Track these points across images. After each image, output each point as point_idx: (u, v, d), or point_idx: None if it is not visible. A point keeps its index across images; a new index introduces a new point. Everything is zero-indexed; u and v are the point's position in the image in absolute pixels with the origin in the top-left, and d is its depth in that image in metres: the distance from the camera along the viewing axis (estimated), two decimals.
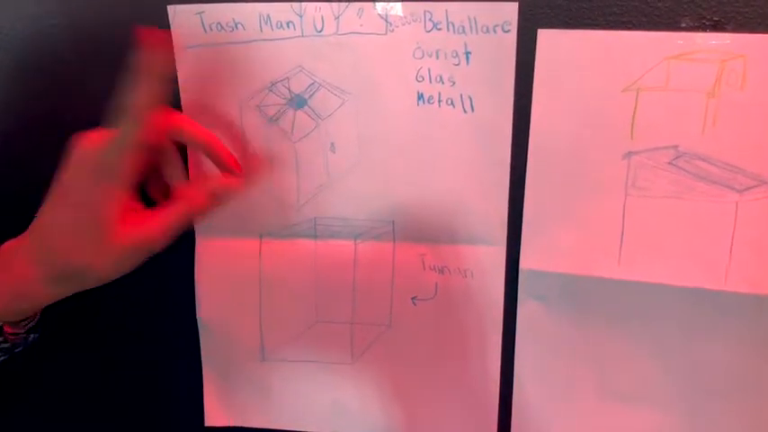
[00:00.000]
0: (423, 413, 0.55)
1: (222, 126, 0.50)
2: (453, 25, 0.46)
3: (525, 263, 0.50)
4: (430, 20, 0.46)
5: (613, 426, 0.52)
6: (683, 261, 0.47)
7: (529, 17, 0.45)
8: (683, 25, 0.44)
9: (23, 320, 0.48)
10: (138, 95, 0.42)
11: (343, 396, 0.56)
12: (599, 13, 0.45)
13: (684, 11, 0.43)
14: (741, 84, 0.44)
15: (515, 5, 0.45)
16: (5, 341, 0.48)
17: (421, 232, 0.51)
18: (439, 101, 0.48)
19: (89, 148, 0.43)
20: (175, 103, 0.51)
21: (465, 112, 0.48)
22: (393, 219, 0.51)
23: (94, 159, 0.42)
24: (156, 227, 0.45)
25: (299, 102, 0.50)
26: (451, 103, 0.48)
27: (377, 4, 0.47)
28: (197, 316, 0.55)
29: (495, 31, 0.46)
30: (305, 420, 0.57)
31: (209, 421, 0.57)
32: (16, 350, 0.50)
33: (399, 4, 0.46)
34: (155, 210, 0.46)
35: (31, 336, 0.50)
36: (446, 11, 0.46)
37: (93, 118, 0.52)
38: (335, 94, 0.49)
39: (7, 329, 0.48)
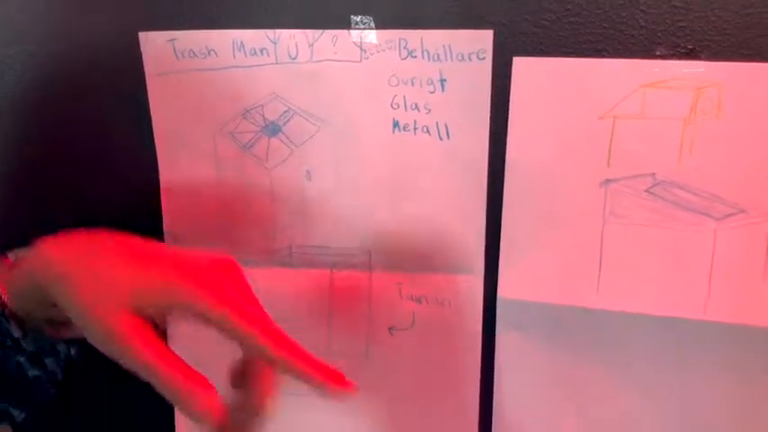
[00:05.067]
0: None
1: (196, 154, 0.50)
2: (428, 53, 0.46)
3: (503, 292, 0.49)
4: (405, 47, 0.46)
5: None
6: (662, 290, 0.47)
7: (504, 45, 0.45)
8: (658, 53, 0.44)
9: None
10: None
11: (318, 428, 0.54)
12: (574, 40, 0.44)
13: (659, 39, 0.43)
14: (717, 111, 0.43)
15: (490, 33, 0.45)
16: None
17: (398, 261, 0.50)
18: (414, 128, 0.48)
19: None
20: (148, 131, 0.50)
21: (441, 139, 0.47)
22: (370, 247, 0.50)
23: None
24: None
25: (273, 129, 0.49)
26: (427, 130, 0.47)
27: (351, 31, 0.46)
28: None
29: (470, 59, 0.46)
30: None
31: None
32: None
33: (374, 31, 0.46)
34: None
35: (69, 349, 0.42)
36: (421, 38, 0.46)
37: (65, 143, 0.52)
38: (310, 122, 0.49)
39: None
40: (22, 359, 0.40)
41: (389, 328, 0.52)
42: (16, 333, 0.40)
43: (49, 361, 0.41)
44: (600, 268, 0.47)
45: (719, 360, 0.47)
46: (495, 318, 0.50)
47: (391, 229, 0.50)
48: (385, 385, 0.53)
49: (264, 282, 0.52)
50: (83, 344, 0.39)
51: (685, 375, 0.48)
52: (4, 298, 0.40)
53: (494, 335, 0.50)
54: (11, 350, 0.40)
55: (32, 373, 0.41)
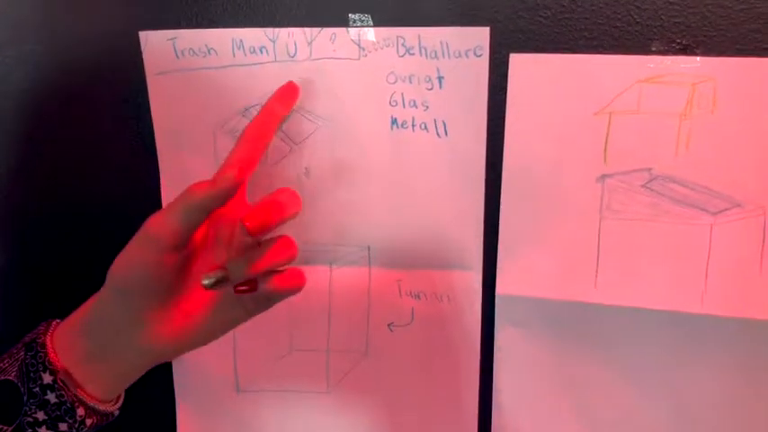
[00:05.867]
0: None
1: (196, 152, 0.50)
2: (426, 50, 0.46)
3: (501, 288, 0.49)
4: (403, 45, 0.46)
5: None
6: (660, 284, 0.47)
7: (501, 41, 0.46)
8: (654, 49, 0.44)
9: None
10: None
11: (319, 425, 0.54)
12: (570, 36, 0.45)
13: (654, 34, 0.44)
14: (712, 106, 0.44)
15: (487, 30, 0.45)
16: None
17: (397, 257, 0.51)
18: (413, 125, 0.48)
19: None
20: (148, 131, 0.50)
21: (439, 136, 0.48)
22: (368, 244, 0.51)
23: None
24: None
25: None
26: (425, 127, 0.48)
27: (350, 29, 0.47)
28: None
29: (467, 56, 0.46)
30: None
31: None
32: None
33: (372, 29, 0.46)
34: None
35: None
36: (419, 36, 0.46)
37: (64, 143, 0.52)
38: (309, 120, 0.49)
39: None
40: (39, 414, 0.42)
41: (389, 325, 0.52)
42: (46, 379, 0.42)
43: (63, 426, 0.42)
44: (597, 263, 0.47)
45: (717, 353, 0.47)
46: (493, 313, 0.50)
47: (390, 225, 0.50)
48: (384, 381, 0.53)
49: None
50: None
51: (683, 368, 0.48)
52: (56, 359, 0.42)
53: (492, 330, 0.50)
54: (35, 400, 0.42)
55: None
